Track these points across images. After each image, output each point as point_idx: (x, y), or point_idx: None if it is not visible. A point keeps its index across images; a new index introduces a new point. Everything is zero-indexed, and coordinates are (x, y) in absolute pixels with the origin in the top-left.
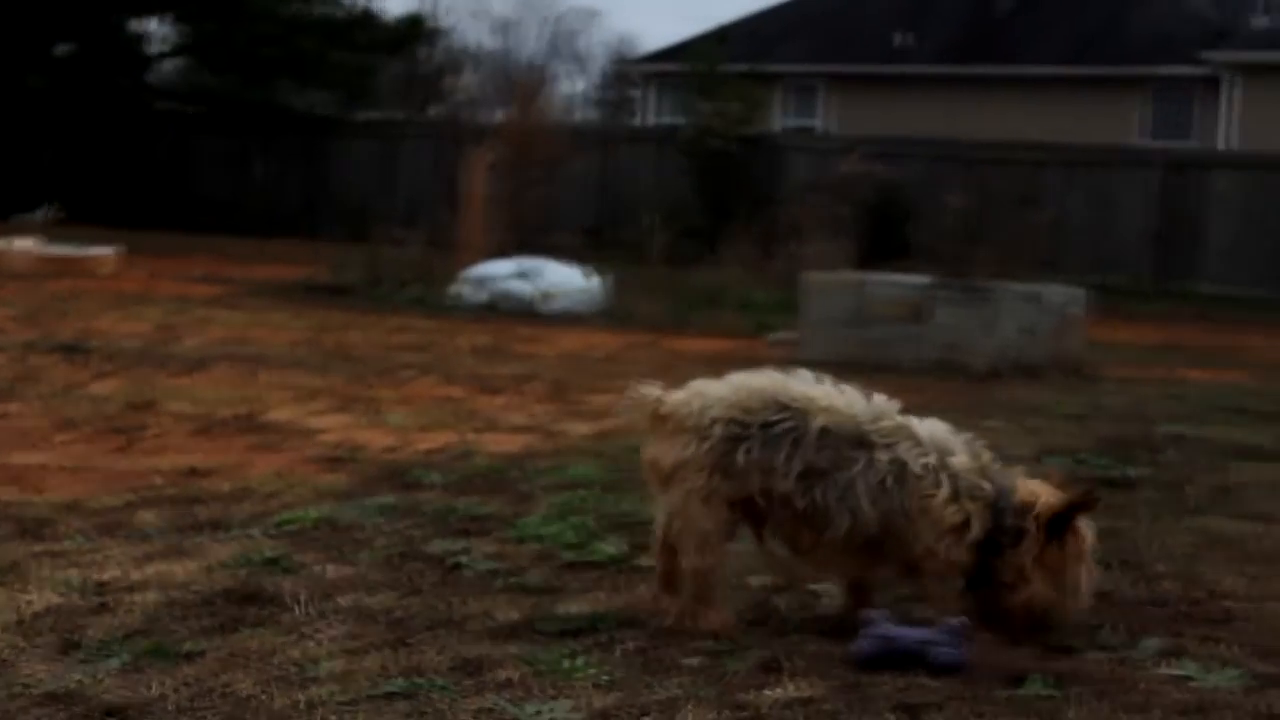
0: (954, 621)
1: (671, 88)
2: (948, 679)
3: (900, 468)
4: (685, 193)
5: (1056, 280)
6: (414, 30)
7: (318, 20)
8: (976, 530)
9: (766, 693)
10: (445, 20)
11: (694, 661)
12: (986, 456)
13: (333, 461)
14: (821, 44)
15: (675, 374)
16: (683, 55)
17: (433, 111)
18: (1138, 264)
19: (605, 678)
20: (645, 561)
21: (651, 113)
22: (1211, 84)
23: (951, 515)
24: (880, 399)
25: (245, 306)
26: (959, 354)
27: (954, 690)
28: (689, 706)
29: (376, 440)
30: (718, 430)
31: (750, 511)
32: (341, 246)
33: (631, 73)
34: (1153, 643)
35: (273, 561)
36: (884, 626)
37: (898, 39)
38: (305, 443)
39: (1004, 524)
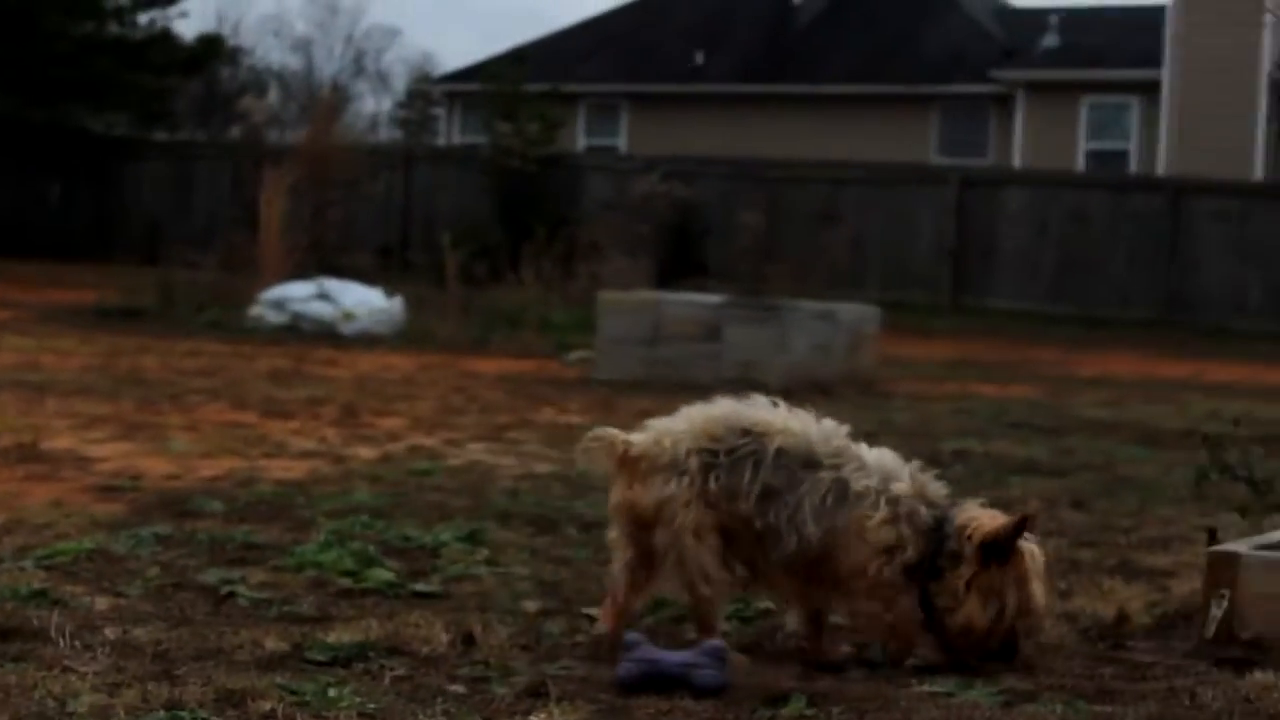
0: (714, 643)
1: (472, 107)
2: (710, 701)
3: (842, 487)
4: (486, 213)
5: (855, 297)
6: (211, 50)
7: (112, 40)
8: (910, 554)
9: (530, 718)
10: (245, 40)
11: (459, 688)
12: (934, 486)
13: (111, 490)
14: (622, 63)
15: (470, 395)
16: (482, 75)
17: (233, 132)
18: (934, 281)
19: (370, 706)
20: (420, 587)
21: (455, 132)
22: (1004, 102)
23: (885, 536)
24: (830, 423)
25: (34, 332)
26: (753, 372)
27: (715, 712)
28: None
29: (158, 468)
30: (693, 462)
31: (725, 538)
32: (136, 269)
33: (432, 92)
34: (917, 660)
35: (40, 594)
36: (646, 650)
37: (696, 58)
38: (84, 471)
39: (944, 549)
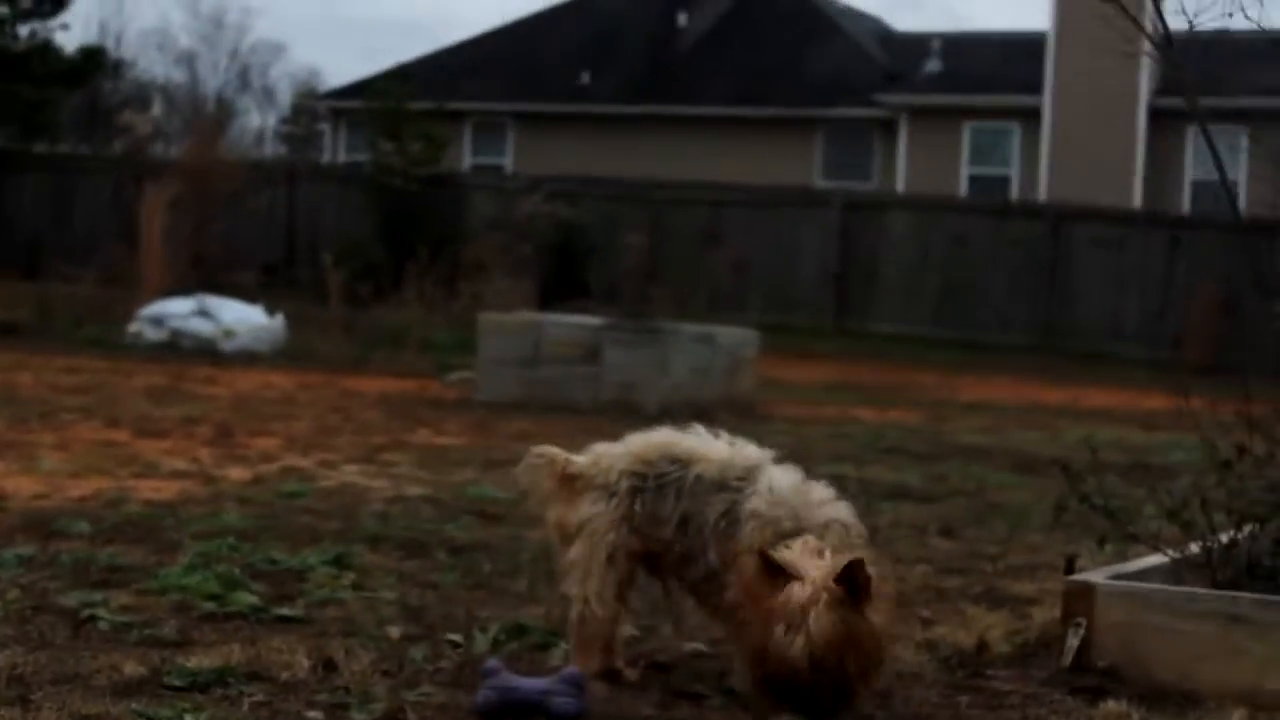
0: (572, 671)
1: (357, 124)
2: None
3: (735, 510)
4: (370, 231)
5: (737, 320)
6: (93, 63)
7: None
8: None
9: None
10: (128, 53)
11: (318, 715)
12: (815, 512)
13: None
14: (508, 82)
15: (347, 415)
16: (367, 92)
17: (116, 146)
18: (818, 304)
19: None
20: (284, 611)
21: (341, 149)
22: (888, 126)
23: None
24: (752, 448)
25: None
26: (632, 394)
27: None
28: None
29: (25, 488)
30: (624, 484)
31: (653, 564)
32: (14, 284)
33: (317, 108)
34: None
35: None
36: (505, 677)
37: (582, 78)
38: None
39: None
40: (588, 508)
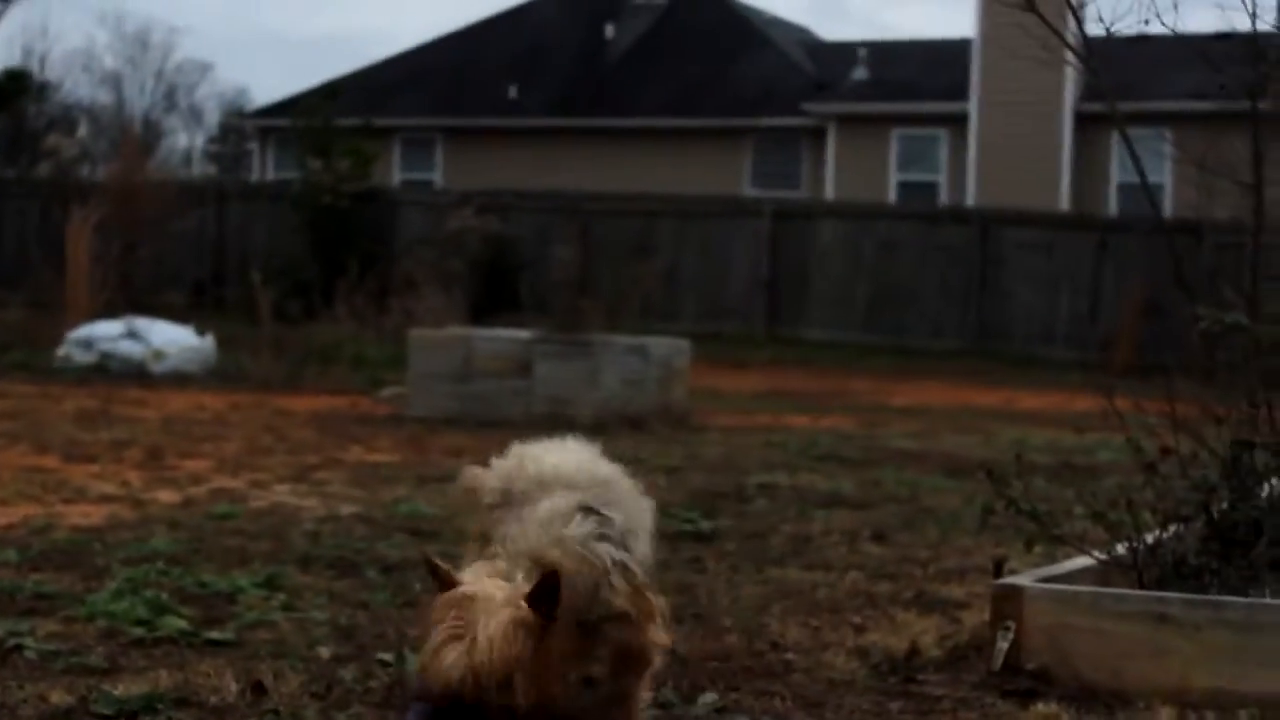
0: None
1: (285, 143)
2: None
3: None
4: (300, 249)
5: (670, 330)
6: (17, 86)
7: None
8: None
9: None
10: (52, 74)
11: None
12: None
13: None
14: (436, 97)
15: (279, 434)
16: (295, 110)
17: (41, 169)
18: (749, 313)
19: None
20: (214, 635)
21: (270, 167)
22: (817, 134)
23: None
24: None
25: None
26: (565, 407)
27: None
28: None
29: None
30: (485, 500)
31: None
32: None
33: (245, 127)
34: (710, 698)
35: None
36: None
37: (512, 91)
38: None
39: None
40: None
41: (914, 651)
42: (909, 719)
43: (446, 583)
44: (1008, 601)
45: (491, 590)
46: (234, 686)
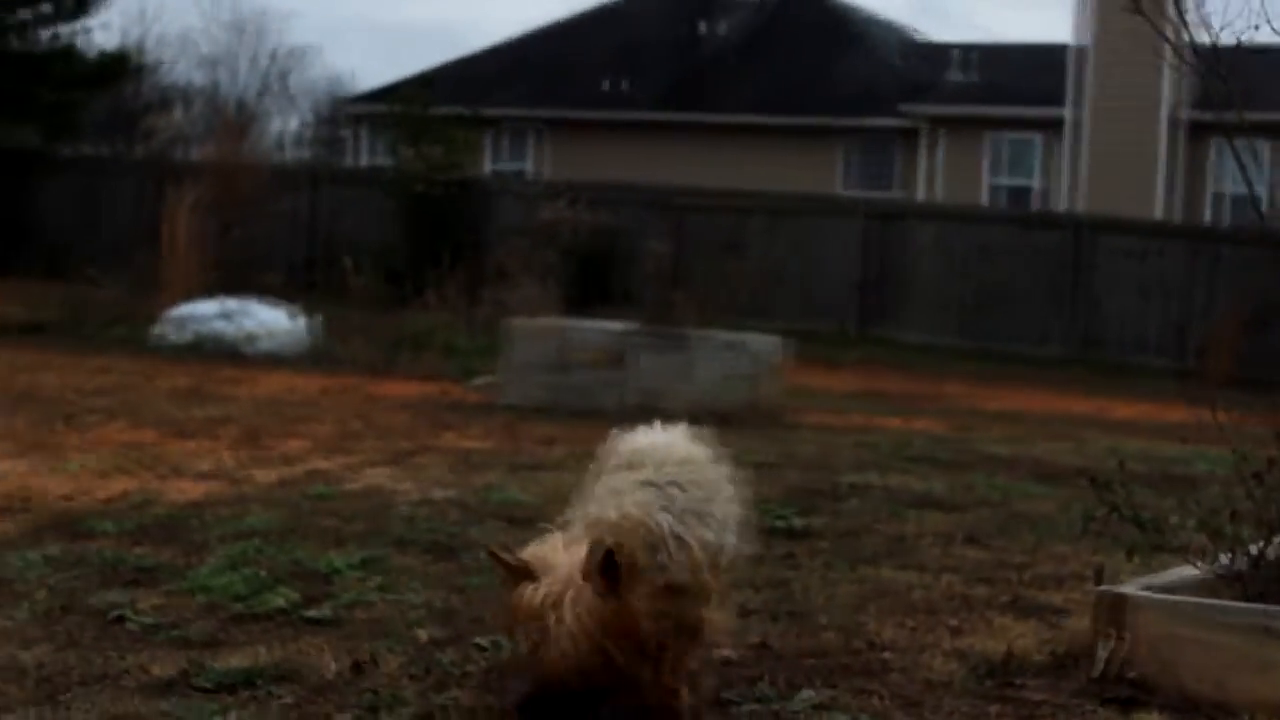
0: None
1: (382, 129)
2: None
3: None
4: (393, 235)
5: (762, 327)
6: (118, 66)
7: (16, 55)
8: None
9: None
10: (153, 56)
11: (346, 717)
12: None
13: (2, 511)
14: (536, 89)
15: (372, 418)
16: (392, 97)
17: (141, 148)
18: (842, 312)
19: None
20: (313, 613)
21: (364, 153)
22: (912, 135)
23: None
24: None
25: None
26: (658, 400)
27: None
28: None
29: (53, 488)
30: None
31: None
32: (40, 285)
33: (342, 113)
34: (807, 695)
35: None
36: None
37: (610, 85)
38: None
39: None
40: None
41: (1012, 656)
42: None
43: (511, 569)
44: (1111, 609)
45: (559, 571)
46: (334, 665)
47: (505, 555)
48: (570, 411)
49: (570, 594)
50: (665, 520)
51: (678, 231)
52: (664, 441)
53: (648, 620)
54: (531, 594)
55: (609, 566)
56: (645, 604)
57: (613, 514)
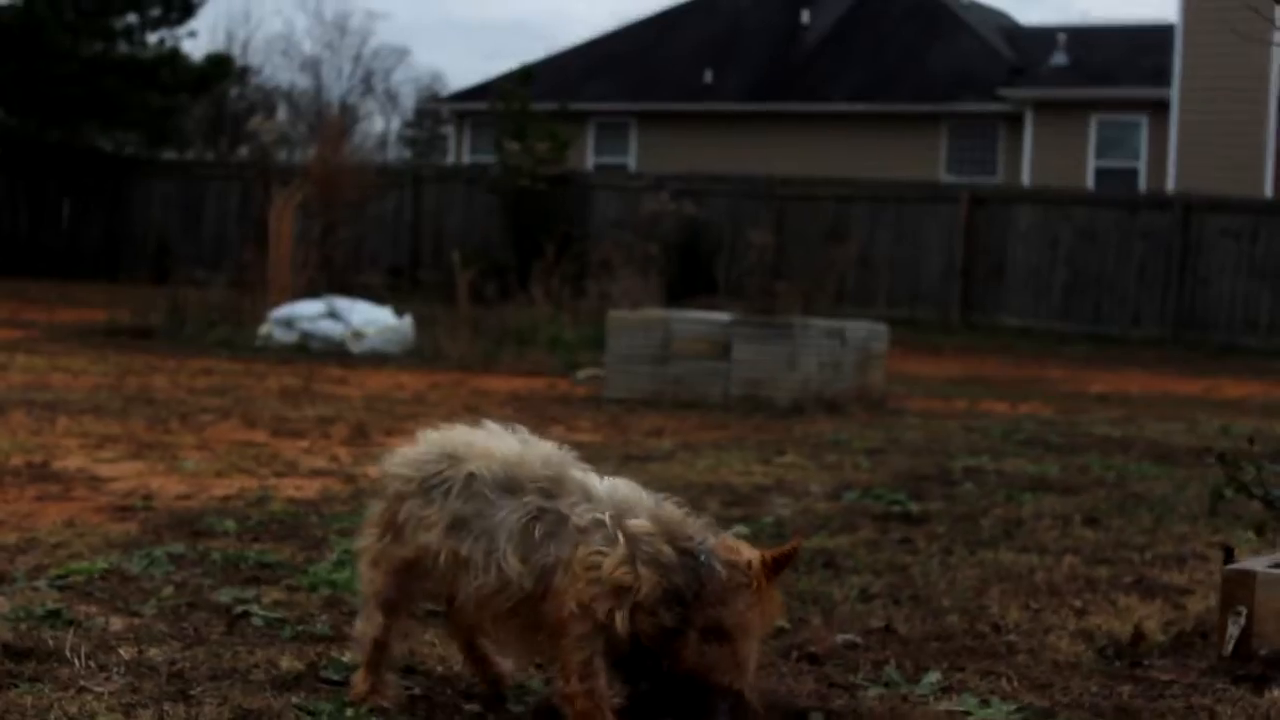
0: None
1: (481, 126)
2: None
3: (557, 519)
4: (495, 231)
5: (863, 315)
6: (219, 70)
7: (121, 60)
8: (646, 594)
9: None
10: (253, 59)
11: (475, 707)
12: (678, 516)
13: (124, 510)
14: (630, 82)
15: (480, 414)
16: (490, 93)
17: (241, 151)
18: (943, 298)
19: None
20: (433, 606)
21: (465, 151)
22: (1013, 120)
23: (621, 577)
24: (549, 447)
25: (45, 351)
26: (763, 390)
27: None
28: None
29: (170, 487)
30: (391, 488)
31: (411, 570)
32: (145, 288)
33: (440, 111)
34: (934, 677)
35: (54, 614)
36: None
37: (705, 77)
38: (96, 491)
39: (705, 588)
40: (368, 513)
41: (1139, 636)
42: (1140, 703)
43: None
44: (1240, 587)
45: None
46: (459, 655)
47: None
48: (676, 403)
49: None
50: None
51: (778, 221)
52: (526, 451)
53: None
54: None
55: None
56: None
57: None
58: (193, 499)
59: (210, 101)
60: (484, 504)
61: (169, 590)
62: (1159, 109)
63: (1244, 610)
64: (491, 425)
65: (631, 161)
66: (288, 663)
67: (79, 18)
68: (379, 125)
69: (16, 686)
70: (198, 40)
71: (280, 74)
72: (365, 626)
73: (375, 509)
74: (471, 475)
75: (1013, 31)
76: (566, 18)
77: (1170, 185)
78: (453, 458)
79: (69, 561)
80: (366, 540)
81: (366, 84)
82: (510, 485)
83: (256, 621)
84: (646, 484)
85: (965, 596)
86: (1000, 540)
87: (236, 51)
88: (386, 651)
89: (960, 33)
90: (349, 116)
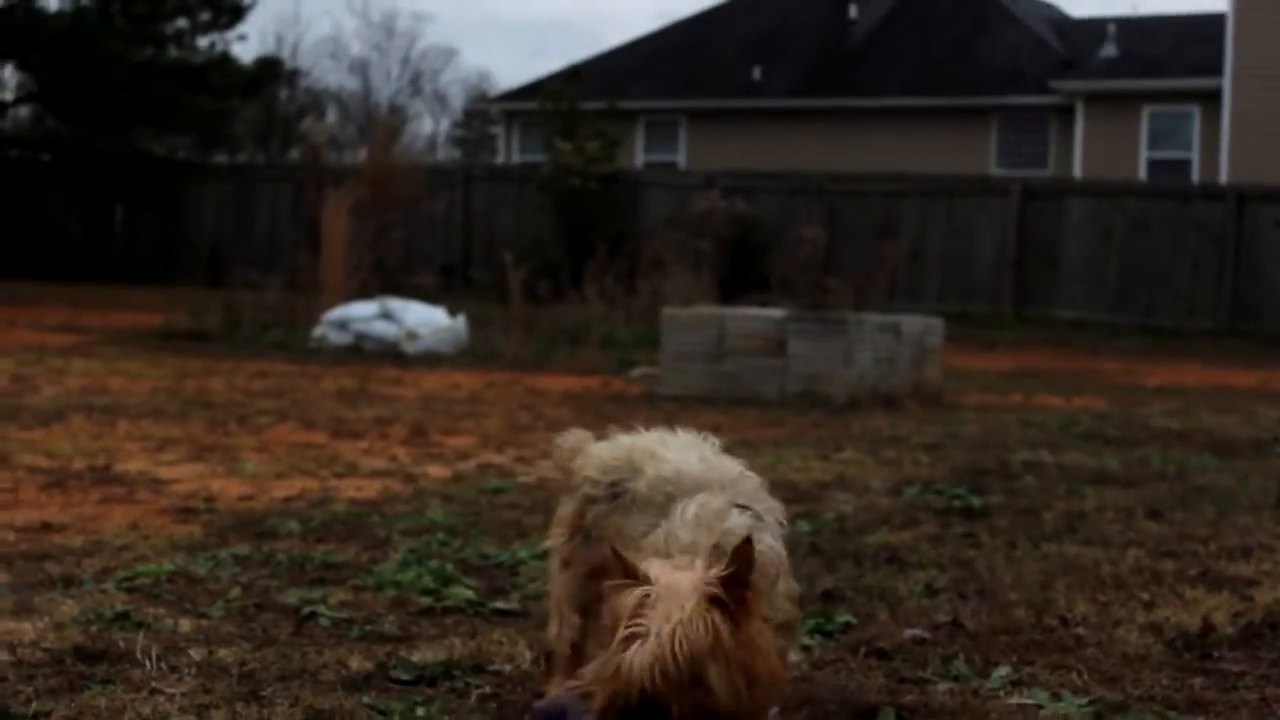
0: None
1: (530, 125)
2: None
3: (655, 531)
4: (547, 230)
5: (916, 309)
6: (269, 73)
7: (171, 65)
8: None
9: None
10: (303, 62)
11: (546, 704)
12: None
13: (187, 512)
14: (678, 79)
15: (536, 412)
16: (540, 93)
17: (292, 154)
18: (996, 292)
19: None
20: (501, 605)
21: (515, 150)
22: (1064, 112)
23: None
24: (739, 470)
25: (102, 355)
26: (819, 385)
27: None
28: None
29: (232, 489)
30: (584, 489)
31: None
32: (199, 292)
33: (490, 111)
34: (1004, 672)
35: (123, 616)
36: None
37: (754, 73)
38: (159, 493)
39: None
40: (559, 509)
41: (1208, 628)
42: (1213, 695)
43: (629, 569)
44: None
45: (677, 579)
46: (527, 654)
47: (627, 555)
48: (731, 400)
49: (690, 603)
50: (782, 550)
51: (829, 217)
52: (708, 458)
53: (759, 656)
54: (642, 595)
55: (742, 583)
56: (759, 638)
57: (730, 539)
58: (254, 500)
59: (260, 104)
60: (628, 518)
61: (236, 591)
62: (1211, 99)
63: None
64: (683, 434)
65: (681, 159)
66: (357, 663)
67: (129, 24)
68: (428, 126)
69: (89, 688)
70: (247, 44)
71: (329, 76)
72: (561, 629)
73: (565, 509)
74: (636, 490)
75: (1062, 24)
76: (608, 17)
77: (1223, 176)
78: (636, 469)
79: (135, 564)
80: (556, 540)
81: (415, 85)
82: (648, 501)
83: (324, 622)
84: None
85: (1031, 590)
86: (1063, 534)
87: (286, 54)
88: (583, 657)
89: (1009, 25)
90: (398, 117)
